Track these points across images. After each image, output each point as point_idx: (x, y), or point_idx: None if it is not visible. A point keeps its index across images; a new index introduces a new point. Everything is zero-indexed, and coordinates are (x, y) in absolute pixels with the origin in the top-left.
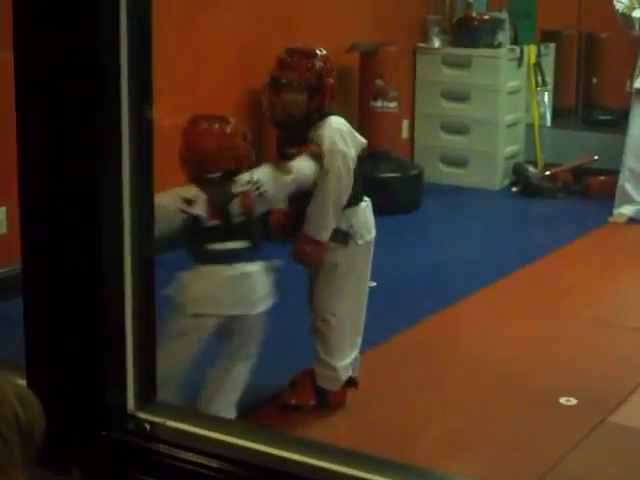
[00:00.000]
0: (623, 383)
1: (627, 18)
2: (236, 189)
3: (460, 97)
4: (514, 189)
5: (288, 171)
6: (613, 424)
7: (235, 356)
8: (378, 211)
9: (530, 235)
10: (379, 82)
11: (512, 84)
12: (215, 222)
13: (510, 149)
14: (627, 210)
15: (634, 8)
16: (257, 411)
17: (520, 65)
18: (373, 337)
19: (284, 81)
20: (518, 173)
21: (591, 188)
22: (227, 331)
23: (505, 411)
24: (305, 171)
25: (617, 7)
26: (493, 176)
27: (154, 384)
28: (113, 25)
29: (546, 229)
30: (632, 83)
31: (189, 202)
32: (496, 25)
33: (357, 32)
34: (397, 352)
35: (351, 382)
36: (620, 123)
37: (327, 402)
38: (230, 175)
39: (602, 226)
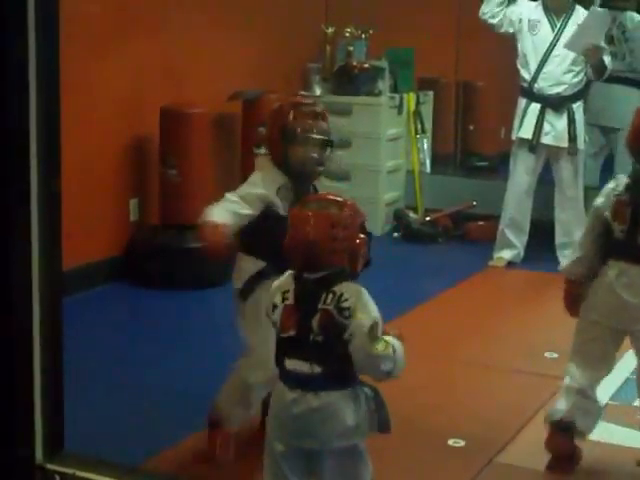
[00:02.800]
0: (508, 424)
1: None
2: (325, 302)
3: (341, 144)
4: (395, 234)
5: (382, 344)
6: (500, 464)
7: None
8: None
9: (411, 281)
10: (262, 130)
11: (392, 131)
12: (291, 333)
13: (391, 195)
14: (507, 254)
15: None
16: None
17: (400, 113)
18: None
19: (318, 134)
20: (399, 219)
21: (470, 233)
22: (306, 468)
23: (395, 453)
24: (397, 353)
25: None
26: (375, 222)
27: (62, 433)
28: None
29: (427, 274)
30: (513, 133)
31: (274, 308)
32: (376, 73)
33: (240, 80)
34: None
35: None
36: (497, 169)
37: None
38: (332, 279)
39: (482, 270)
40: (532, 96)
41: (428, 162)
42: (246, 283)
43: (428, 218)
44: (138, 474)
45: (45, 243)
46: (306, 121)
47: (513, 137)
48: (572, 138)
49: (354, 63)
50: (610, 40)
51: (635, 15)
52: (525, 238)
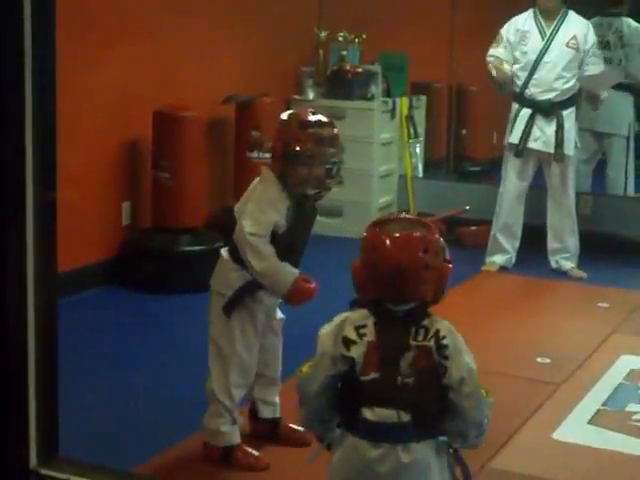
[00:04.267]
0: (501, 428)
1: (490, 75)
2: (416, 338)
3: None
4: None
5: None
6: (493, 469)
7: None
8: None
9: None
10: (255, 133)
11: (385, 136)
12: (375, 376)
13: (384, 199)
14: (499, 259)
15: (502, 64)
16: None
17: (393, 117)
18: None
19: (325, 158)
20: None
21: (463, 238)
22: None
23: None
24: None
25: (488, 62)
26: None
27: (57, 437)
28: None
29: None
30: (505, 138)
31: (350, 343)
32: (369, 78)
33: (233, 84)
34: None
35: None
36: (489, 174)
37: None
38: (420, 312)
39: (475, 275)
40: (523, 102)
41: (420, 167)
42: (237, 293)
43: None
44: (132, 479)
45: (41, 250)
46: (312, 144)
47: (505, 142)
48: (559, 144)
49: (347, 67)
50: (606, 45)
51: (631, 21)
52: (517, 243)
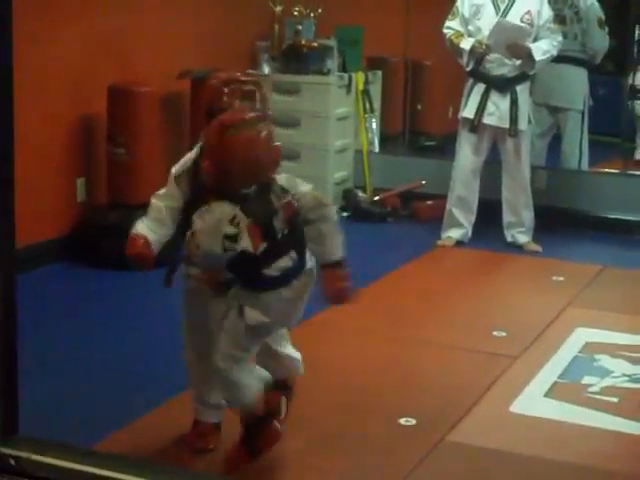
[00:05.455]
0: (458, 402)
1: (455, 46)
2: (276, 201)
3: (290, 123)
4: (344, 214)
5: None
6: (452, 443)
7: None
8: None
9: (360, 260)
10: None
11: (341, 110)
12: (263, 246)
13: (340, 175)
14: (455, 234)
15: (461, 36)
16: None
17: (348, 92)
18: None
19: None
20: (348, 198)
21: (419, 212)
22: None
23: (346, 430)
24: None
25: (446, 33)
26: None
27: (17, 415)
28: None
29: (376, 254)
30: (459, 112)
31: (233, 238)
32: (324, 52)
33: (188, 58)
34: None
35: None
36: (444, 149)
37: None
38: (267, 186)
39: (431, 249)
40: (478, 76)
41: (376, 141)
42: None
43: (377, 197)
44: (93, 456)
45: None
46: (229, 99)
47: (459, 117)
48: (513, 120)
49: (302, 42)
50: (562, 20)
51: None
52: (473, 217)
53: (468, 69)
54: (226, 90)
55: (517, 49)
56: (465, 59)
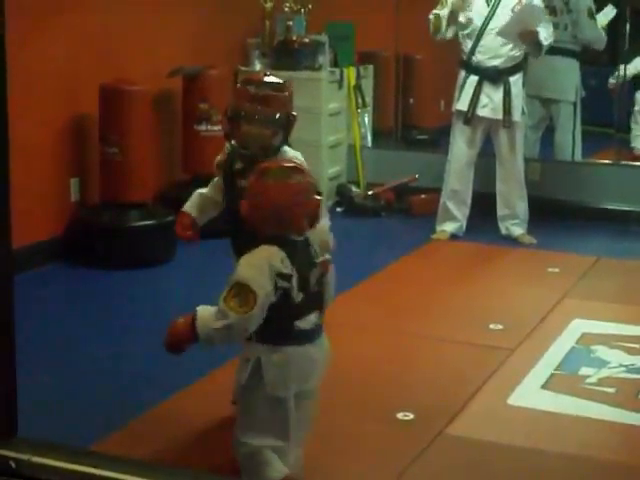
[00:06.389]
0: (456, 395)
1: (436, 26)
2: (315, 256)
3: None
4: (339, 209)
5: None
6: (450, 436)
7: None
8: (203, 235)
9: (356, 255)
10: (203, 105)
11: (333, 106)
12: (301, 296)
13: (333, 170)
14: (449, 227)
15: (444, 7)
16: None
17: (340, 87)
18: None
19: (258, 116)
20: (342, 193)
21: (413, 206)
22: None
23: (344, 427)
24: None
25: (431, 19)
26: None
27: (16, 417)
28: None
29: (371, 249)
30: (453, 105)
31: (286, 277)
32: (316, 48)
33: (179, 56)
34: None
35: None
36: (437, 142)
37: None
38: (309, 239)
39: (425, 243)
40: (470, 69)
41: (369, 136)
42: None
43: (371, 192)
44: (93, 458)
45: None
46: (246, 102)
47: (452, 109)
48: (507, 111)
49: (294, 38)
50: (552, 11)
51: None
52: (467, 210)
53: (439, 36)
54: (241, 92)
55: (529, 35)
56: (443, 25)
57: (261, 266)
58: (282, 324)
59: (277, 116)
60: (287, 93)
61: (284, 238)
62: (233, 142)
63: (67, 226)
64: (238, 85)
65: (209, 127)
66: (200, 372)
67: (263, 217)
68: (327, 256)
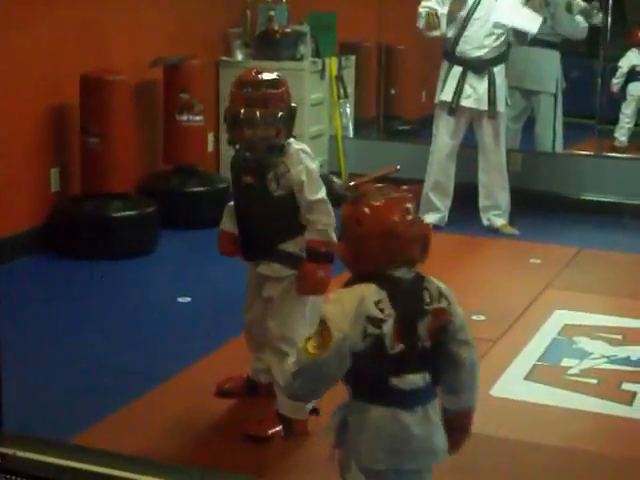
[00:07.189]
0: None
1: (432, 16)
2: (428, 302)
3: None
4: None
5: None
6: None
7: None
8: (185, 225)
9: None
10: (184, 96)
11: (315, 96)
12: (401, 347)
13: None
14: (431, 218)
15: (435, 15)
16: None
17: (322, 77)
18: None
19: (260, 119)
20: (323, 184)
21: None
22: None
23: None
24: None
25: (421, 12)
26: None
27: (0, 412)
28: None
29: None
30: (436, 96)
31: (376, 322)
32: (298, 38)
33: (161, 46)
34: None
35: (313, 410)
36: (418, 133)
37: (293, 431)
38: (422, 280)
39: None
40: (454, 59)
41: (351, 127)
42: None
43: (352, 183)
44: (79, 452)
45: None
46: (242, 106)
47: (436, 100)
48: (492, 101)
49: (275, 28)
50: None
51: None
52: (449, 201)
53: (436, 34)
54: (236, 95)
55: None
56: (443, 24)
57: (347, 304)
58: (374, 379)
59: (279, 115)
60: (284, 88)
61: (386, 275)
62: (237, 147)
63: (47, 217)
64: (232, 89)
65: (190, 117)
66: (182, 364)
67: (368, 249)
68: (443, 304)
